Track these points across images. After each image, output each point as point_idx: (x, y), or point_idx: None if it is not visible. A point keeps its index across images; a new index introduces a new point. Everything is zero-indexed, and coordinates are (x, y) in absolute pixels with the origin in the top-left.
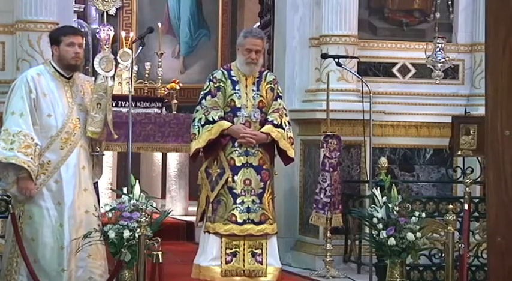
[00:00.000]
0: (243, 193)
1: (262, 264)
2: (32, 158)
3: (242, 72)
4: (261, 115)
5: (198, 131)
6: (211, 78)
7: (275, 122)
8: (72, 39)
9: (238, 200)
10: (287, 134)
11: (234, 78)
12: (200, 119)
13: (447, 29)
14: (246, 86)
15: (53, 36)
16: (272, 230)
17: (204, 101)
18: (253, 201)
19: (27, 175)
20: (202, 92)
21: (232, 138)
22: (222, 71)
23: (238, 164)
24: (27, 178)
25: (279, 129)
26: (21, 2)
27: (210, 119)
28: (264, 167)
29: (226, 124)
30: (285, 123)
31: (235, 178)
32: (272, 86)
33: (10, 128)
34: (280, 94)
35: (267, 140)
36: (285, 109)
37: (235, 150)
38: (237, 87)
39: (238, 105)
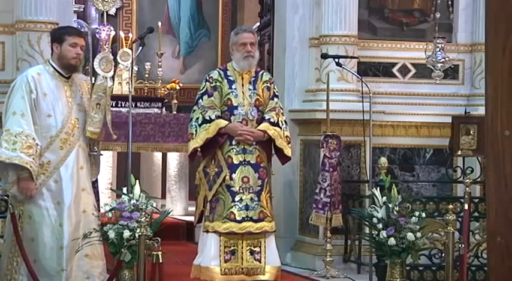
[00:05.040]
0: (241, 191)
1: (260, 262)
2: (33, 158)
3: (238, 71)
4: (258, 114)
5: (196, 130)
6: (208, 78)
7: (272, 120)
8: (76, 40)
9: (237, 198)
10: (284, 133)
11: (230, 77)
12: (197, 118)
13: (447, 29)
14: (243, 85)
15: (57, 34)
16: (271, 228)
17: (200, 100)
18: (251, 199)
19: (28, 175)
20: (198, 92)
21: (230, 137)
22: (218, 71)
23: (235, 162)
24: (28, 178)
25: (276, 128)
26: (21, 2)
27: (207, 118)
28: (261, 165)
29: (223, 122)
30: (281, 122)
31: (233, 176)
32: (268, 85)
33: (12, 128)
34: (276, 93)
35: (263, 137)
36: (281, 108)
37: (232, 148)
38: (233, 87)
39: (235, 104)
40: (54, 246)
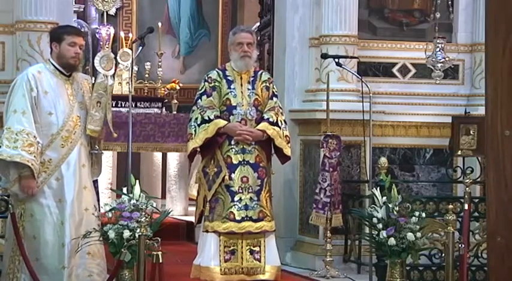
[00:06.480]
0: (240, 191)
1: (260, 262)
2: (35, 156)
3: (237, 71)
4: (257, 113)
5: (195, 130)
6: (207, 78)
7: (271, 119)
8: (75, 40)
9: (236, 198)
10: (283, 132)
11: (229, 77)
12: (196, 118)
13: (447, 29)
14: (241, 85)
15: (56, 33)
16: (270, 228)
17: (199, 101)
18: (250, 198)
19: (30, 174)
20: (197, 93)
21: (229, 137)
22: (217, 71)
23: (235, 162)
24: (30, 177)
25: (275, 127)
26: (21, 2)
27: (206, 118)
28: (260, 164)
29: (222, 122)
30: (280, 121)
31: (233, 175)
32: (267, 85)
33: (13, 127)
34: (275, 93)
35: (262, 137)
36: (280, 108)
37: (231, 148)
38: (232, 86)
39: (234, 104)
40: (56, 244)
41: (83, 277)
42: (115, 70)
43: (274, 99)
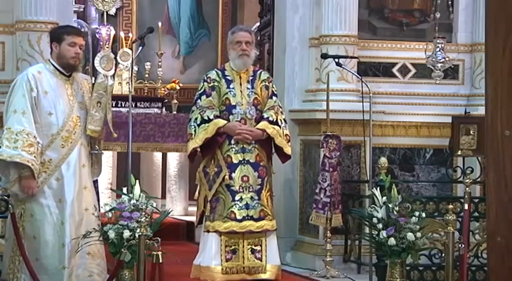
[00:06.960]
0: (241, 190)
1: (261, 261)
2: (35, 156)
3: (236, 71)
4: (257, 112)
5: (195, 130)
6: (206, 78)
7: (270, 118)
8: (75, 40)
9: (237, 197)
10: (283, 131)
11: (228, 77)
12: (196, 118)
13: (447, 29)
14: (241, 85)
15: (56, 33)
16: (272, 227)
17: (199, 101)
18: (251, 198)
19: (30, 174)
20: (197, 93)
21: (229, 136)
22: (216, 71)
23: (235, 161)
24: (30, 177)
25: (275, 126)
26: (21, 2)
27: (206, 118)
28: (261, 164)
29: (221, 122)
30: (280, 120)
31: (233, 175)
32: (266, 84)
33: (13, 127)
34: (275, 92)
35: (262, 136)
36: (280, 107)
37: (231, 148)
38: (231, 86)
39: (233, 103)
40: (56, 244)
41: (83, 277)
42: (115, 70)
43: (274, 98)
